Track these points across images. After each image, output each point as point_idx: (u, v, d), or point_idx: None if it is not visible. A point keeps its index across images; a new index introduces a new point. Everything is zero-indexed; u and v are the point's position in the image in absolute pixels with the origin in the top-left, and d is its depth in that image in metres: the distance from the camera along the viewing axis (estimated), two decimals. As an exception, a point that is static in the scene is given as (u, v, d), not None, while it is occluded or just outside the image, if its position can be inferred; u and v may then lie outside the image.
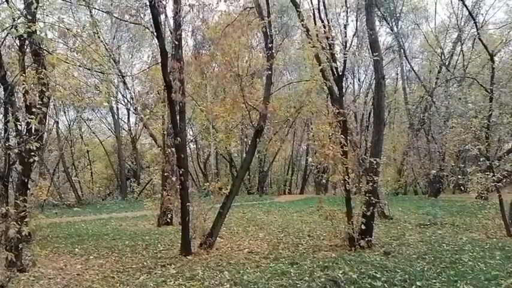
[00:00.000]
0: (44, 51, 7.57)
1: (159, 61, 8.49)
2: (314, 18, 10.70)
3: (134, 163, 30.55)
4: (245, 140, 29.44)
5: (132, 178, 30.29)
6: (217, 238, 9.84)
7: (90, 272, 7.58)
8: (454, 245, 9.12)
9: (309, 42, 9.86)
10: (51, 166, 26.78)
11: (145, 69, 21.81)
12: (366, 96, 30.24)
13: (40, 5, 6.59)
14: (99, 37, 11.66)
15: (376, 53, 9.63)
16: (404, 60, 27.49)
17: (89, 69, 8.69)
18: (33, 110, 6.74)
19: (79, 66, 8.80)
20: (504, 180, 11.06)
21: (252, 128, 12.13)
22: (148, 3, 7.75)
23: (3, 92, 7.37)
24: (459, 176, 18.48)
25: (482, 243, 9.27)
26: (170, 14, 9.20)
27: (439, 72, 25.96)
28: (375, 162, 9.10)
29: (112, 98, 26.70)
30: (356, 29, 14.45)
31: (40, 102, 6.96)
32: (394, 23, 26.32)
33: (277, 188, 36.34)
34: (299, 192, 34.34)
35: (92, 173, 31.55)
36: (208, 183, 10.42)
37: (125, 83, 26.67)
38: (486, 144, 11.15)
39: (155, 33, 8.16)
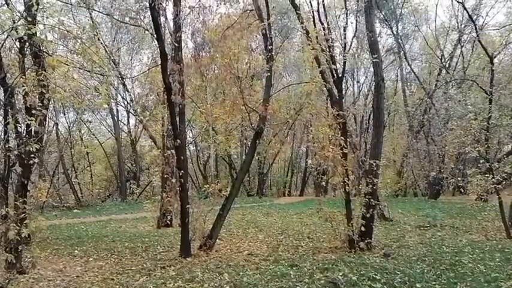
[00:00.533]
0: (44, 53, 7.58)
1: (159, 63, 8.51)
2: (314, 21, 10.71)
3: (134, 165, 30.52)
4: (245, 141, 29.47)
5: (131, 180, 30.26)
6: (217, 240, 9.84)
7: (89, 274, 7.58)
8: (453, 247, 9.12)
9: (309, 44, 9.86)
10: (50, 168, 26.77)
11: (145, 71, 21.81)
12: (365, 98, 30.27)
13: (40, 7, 6.59)
14: (99, 39, 11.70)
15: (376, 55, 9.67)
16: (404, 62, 27.53)
17: (88, 71, 8.71)
18: (33, 111, 6.76)
19: (79, 68, 8.82)
20: (504, 182, 11.07)
21: (251, 130, 12.14)
22: (148, 5, 7.78)
23: (3, 94, 7.39)
24: (459, 178, 18.53)
25: (482, 245, 9.26)
26: (170, 16, 9.22)
27: (438, 74, 26.01)
28: (374, 164, 9.11)
29: (112, 100, 26.78)
30: (355, 31, 14.48)
31: (40, 104, 6.97)
32: (394, 25, 26.37)
33: (276, 190, 36.31)
34: (299, 194, 34.31)
35: (91, 174, 31.48)
36: (208, 185, 10.43)
37: (124, 84, 26.72)
38: (486, 146, 11.16)
39: (155, 35, 8.17)
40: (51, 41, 7.74)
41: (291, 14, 23.05)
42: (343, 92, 12.81)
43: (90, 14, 17.96)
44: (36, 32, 6.60)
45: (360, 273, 6.83)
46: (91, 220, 17.22)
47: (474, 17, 21.10)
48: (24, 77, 6.91)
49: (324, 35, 10.02)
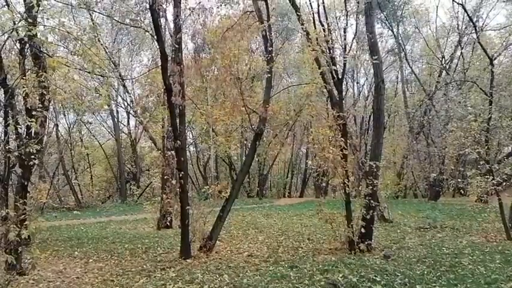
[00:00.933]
0: (44, 54, 7.59)
1: (159, 64, 8.52)
2: (314, 22, 10.73)
3: (134, 166, 30.53)
4: (245, 143, 29.46)
5: (131, 181, 30.27)
6: (217, 241, 9.82)
7: (89, 275, 7.58)
8: (453, 248, 9.11)
9: (309, 46, 9.87)
10: (51, 169, 26.80)
11: (145, 72, 21.84)
12: (365, 99, 30.28)
13: (41, 8, 6.60)
14: (99, 40, 11.71)
15: (376, 57, 9.66)
16: (405, 63, 27.56)
17: (89, 73, 8.72)
18: (34, 113, 6.76)
19: (79, 69, 8.83)
20: (504, 184, 11.02)
21: (251, 131, 12.15)
22: (148, 7, 7.79)
23: (3, 95, 7.40)
24: (459, 180, 18.50)
25: (482, 246, 9.26)
26: (170, 17, 9.24)
27: (439, 75, 26.03)
28: (374, 165, 9.10)
29: (112, 101, 26.81)
30: (356, 32, 14.48)
31: (40, 105, 6.98)
32: (395, 26, 26.38)
33: (276, 191, 36.29)
34: (299, 195, 34.28)
35: (91, 176, 31.51)
36: (208, 187, 10.42)
37: (124, 86, 26.73)
38: (486, 147, 11.14)
39: (155, 37, 8.18)
40: (52, 43, 7.76)
41: (291, 15, 23.10)
42: (343, 93, 12.81)
43: (90, 15, 18.00)
44: (36, 34, 6.61)
45: (360, 275, 6.83)
46: (91, 221, 17.21)
47: (474, 19, 21.11)
48: (24, 78, 6.92)
49: (324, 36, 10.03)
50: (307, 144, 26.69)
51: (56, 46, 8.17)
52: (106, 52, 20.54)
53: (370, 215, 8.98)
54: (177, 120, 8.76)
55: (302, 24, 10.27)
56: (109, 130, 32.30)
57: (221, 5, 10.27)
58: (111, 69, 19.56)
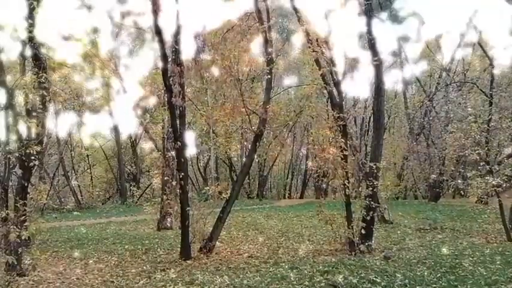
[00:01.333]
0: (44, 55, 7.60)
1: (160, 65, 8.52)
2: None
3: (134, 167, 30.49)
4: (245, 144, 29.45)
5: (131, 182, 30.22)
6: (217, 242, 9.82)
7: (89, 276, 7.57)
8: (454, 249, 9.10)
9: (309, 47, 9.88)
10: (51, 170, 26.74)
11: (145, 73, 21.81)
12: (366, 100, 30.25)
13: (42, 9, 6.61)
14: (99, 42, 11.72)
15: (376, 58, 9.66)
16: (405, 64, 27.53)
17: (90, 74, 8.74)
18: (34, 114, 6.77)
19: (80, 70, 8.85)
20: (504, 185, 11.03)
21: (251, 132, 12.16)
22: (149, 8, 7.80)
23: (3, 96, 7.40)
24: (459, 181, 18.49)
25: (483, 248, 9.25)
26: (170, 18, 9.23)
27: (439, 77, 26.02)
28: (374, 166, 9.10)
29: (112, 102, 26.75)
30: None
31: (41, 106, 6.99)
32: (395, 27, 26.41)
33: (277, 192, 36.20)
34: (299, 196, 34.22)
35: (91, 177, 31.45)
36: (208, 188, 10.42)
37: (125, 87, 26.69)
38: (486, 148, 11.14)
39: (156, 38, 8.19)
40: (52, 44, 7.77)
41: (292, 16, 23.09)
42: (344, 94, 12.81)
43: (91, 16, 18.00)
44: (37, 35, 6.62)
45: (360, 276, 6.83)
46: (91, 222, 17.20)
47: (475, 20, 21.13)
48: (24, 79, 6.93)
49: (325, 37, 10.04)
50: (308, 145, 26.66)
51: (57, 47, 8.18)
52: (106, 53, 20.54)
53: (370, 216, 8.97)
54: (177, 121, 8.76)
55: (302, 25, 10.28)
56: (109, 131, 32.29)
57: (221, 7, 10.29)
58: (111, 70, 19.56)
